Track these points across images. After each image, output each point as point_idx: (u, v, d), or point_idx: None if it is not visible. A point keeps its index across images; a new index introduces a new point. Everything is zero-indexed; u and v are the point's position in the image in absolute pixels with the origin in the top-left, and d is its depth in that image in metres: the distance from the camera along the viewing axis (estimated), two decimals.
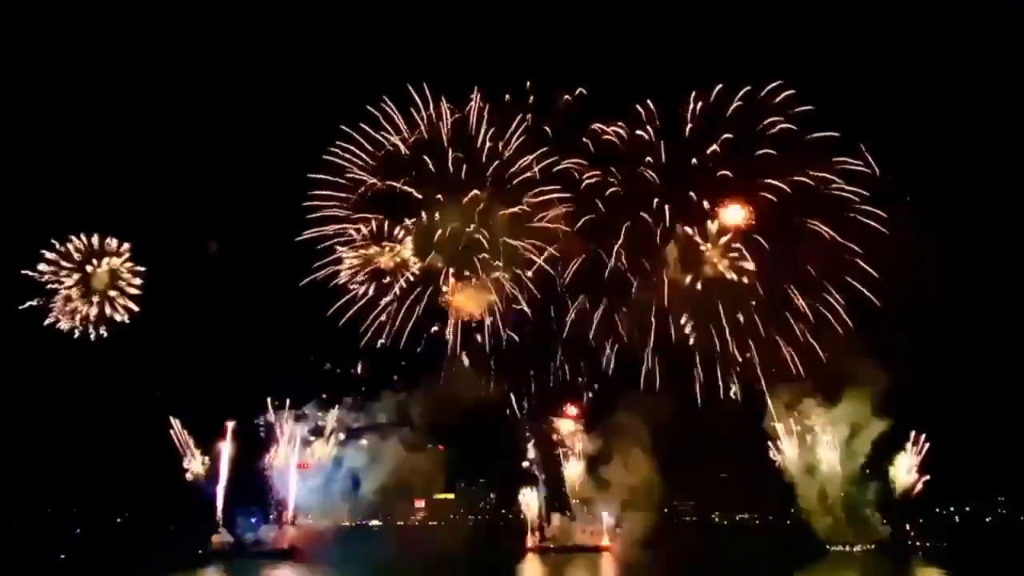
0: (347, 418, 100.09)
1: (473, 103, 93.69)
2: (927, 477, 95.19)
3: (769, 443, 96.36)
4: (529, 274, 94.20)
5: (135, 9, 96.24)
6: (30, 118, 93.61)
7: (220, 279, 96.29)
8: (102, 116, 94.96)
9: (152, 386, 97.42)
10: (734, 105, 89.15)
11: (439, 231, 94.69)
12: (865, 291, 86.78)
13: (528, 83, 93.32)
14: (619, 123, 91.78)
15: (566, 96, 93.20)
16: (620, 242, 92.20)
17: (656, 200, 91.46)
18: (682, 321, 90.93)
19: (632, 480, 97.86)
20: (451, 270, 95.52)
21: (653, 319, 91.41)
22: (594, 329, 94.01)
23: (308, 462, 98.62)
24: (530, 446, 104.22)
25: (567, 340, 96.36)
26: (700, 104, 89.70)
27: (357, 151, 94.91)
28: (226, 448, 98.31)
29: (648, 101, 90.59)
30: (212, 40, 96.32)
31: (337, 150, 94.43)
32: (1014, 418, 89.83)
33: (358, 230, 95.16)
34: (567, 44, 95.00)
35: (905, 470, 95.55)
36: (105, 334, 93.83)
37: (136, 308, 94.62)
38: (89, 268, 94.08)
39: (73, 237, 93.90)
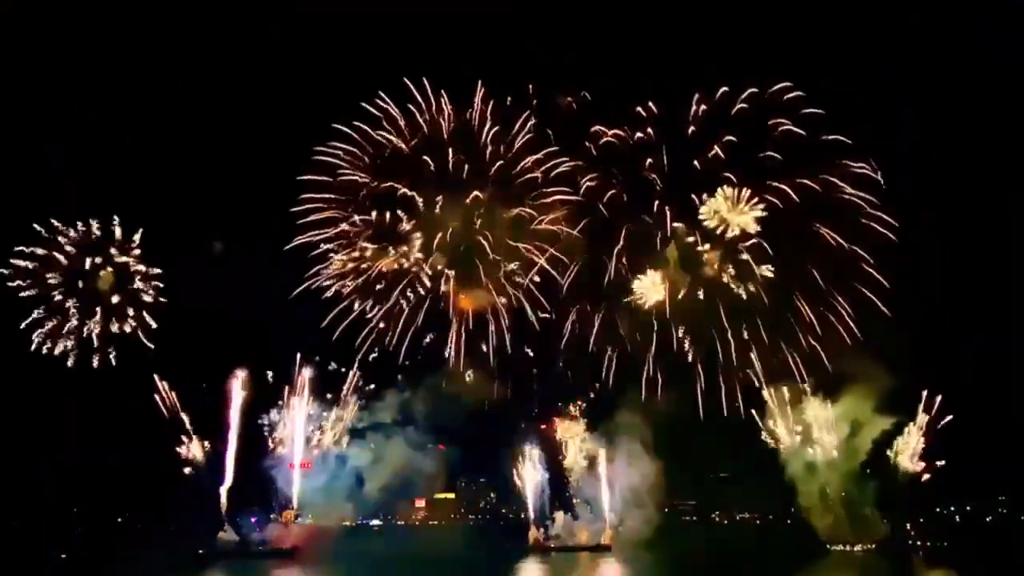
0: (350, 417, 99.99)
1: (475, 103, 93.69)
2: (940, 462, 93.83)
3: (769, 442, 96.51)
4: (531, 275, 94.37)
5: (134, 9, 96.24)
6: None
7: (220, 279, 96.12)
8: (101, 116, 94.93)
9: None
10: (736, 107, 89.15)
11: (440, 232, 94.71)
12: (874, 298, 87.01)
13: (529, 84, 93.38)
14: (621, 125, 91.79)
15: (568, 98, 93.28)
16: (621, 245, 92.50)
17: (657, 202, 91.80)
18: (680, 334, 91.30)
19: (634, 479, 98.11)
20: (452, 272, 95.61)
21: (654, 322, 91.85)
22: (595, 331, 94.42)
23: (309, 461, 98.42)
24: (532, 445, 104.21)
25: (569, 340, 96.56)
26: (702, 106, 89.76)
27: (357, 151, 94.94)
28: (236, 395, 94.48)
29: (650, 103, 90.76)
30: (211, 39, 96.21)
31: (338, 151, 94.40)
32: (1014, 418, 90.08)
33: (358, 231, 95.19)
34: (568, 45, 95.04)
35: (909, 455, 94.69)
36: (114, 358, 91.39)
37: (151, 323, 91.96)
38: (89, 262, 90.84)
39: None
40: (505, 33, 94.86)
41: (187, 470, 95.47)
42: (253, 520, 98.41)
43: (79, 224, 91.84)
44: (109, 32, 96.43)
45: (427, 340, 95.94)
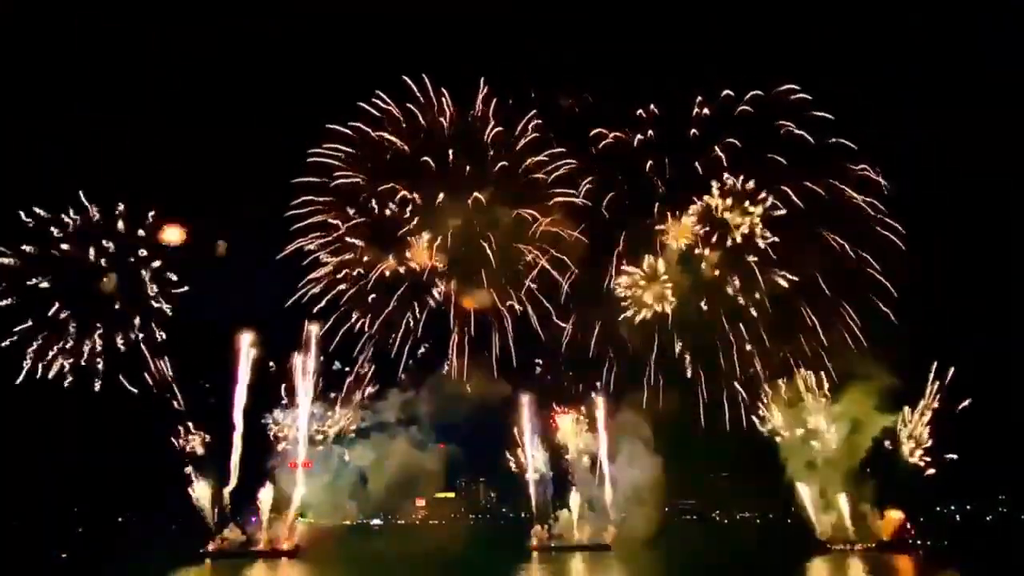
0: (353, 416, 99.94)
1: (477, 104, 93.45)
2: (950, 455, 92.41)
3: (770, 440, 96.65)
4: (531, 276, 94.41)
5: (131, 9, 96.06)
6: None
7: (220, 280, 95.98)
8: (100, 116, 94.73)
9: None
10: (738, 109, 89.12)
11: (440, 233, 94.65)
12: (881, 305, 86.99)
13: (530, 85, 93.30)
14: (622, 127, 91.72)
15: (569, 99, 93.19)
16: (621, 247, 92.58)
17: (658, 204, 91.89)
18: (680, 340, 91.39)
19: (635, 478, 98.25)
20: (453, 273, 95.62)
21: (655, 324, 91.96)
22: (596, 332, 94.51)
23: (311, 461, 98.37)
24: (533, 445, 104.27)
25: (570, 340, 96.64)
26: (704, 108, 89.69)
27: (357, 151, 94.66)
28: (245, 357, 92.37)
29: (651, 105, 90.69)
30: (209, 37, 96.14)
31: (339, 151, 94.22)
32: (1014, 418, 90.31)
33: (358, 233, 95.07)
34: (569, 45, 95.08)
35: (912, 447, 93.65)
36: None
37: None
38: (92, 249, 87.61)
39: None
40: (506, 33, 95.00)
41: (188, 470, 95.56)
42: (253, 520, 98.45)
43: (71, 211, 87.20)
44: (106, 32, 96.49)
45: (426, 345, 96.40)
